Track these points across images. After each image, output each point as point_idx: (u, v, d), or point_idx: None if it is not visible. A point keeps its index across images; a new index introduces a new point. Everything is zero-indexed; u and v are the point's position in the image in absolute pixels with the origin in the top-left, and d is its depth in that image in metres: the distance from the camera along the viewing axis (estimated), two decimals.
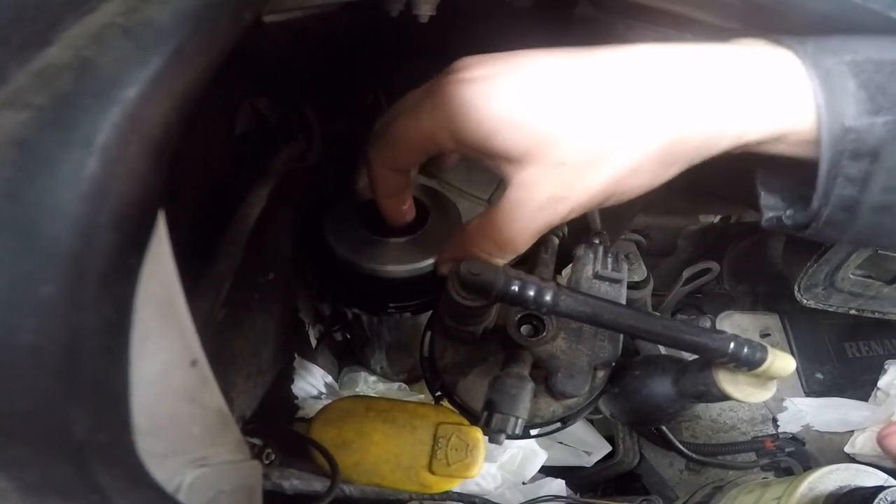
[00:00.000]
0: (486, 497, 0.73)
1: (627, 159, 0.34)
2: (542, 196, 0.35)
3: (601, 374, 0.47)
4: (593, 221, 0.55)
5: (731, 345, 0.37)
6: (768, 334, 0.96)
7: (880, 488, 0.55)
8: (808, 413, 0.89)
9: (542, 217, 0.36)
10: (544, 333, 0.45)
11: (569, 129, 0.33)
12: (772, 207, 0.39)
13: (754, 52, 0.34)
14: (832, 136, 0.32)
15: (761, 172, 0.39)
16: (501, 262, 0.40)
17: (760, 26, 0.34)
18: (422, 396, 0.85)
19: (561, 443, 0.91)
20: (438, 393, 0.51)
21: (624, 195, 0.36)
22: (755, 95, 0.33)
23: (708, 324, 0.97)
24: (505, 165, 0.36)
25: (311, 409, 0.78)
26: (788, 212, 0.38)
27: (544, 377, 0.45)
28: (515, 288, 0.37)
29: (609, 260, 0.48)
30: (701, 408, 0.90)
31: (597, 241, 0.50)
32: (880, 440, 0.48)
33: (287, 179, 0.43)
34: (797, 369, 0.91)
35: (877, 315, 0.79)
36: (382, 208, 0.45)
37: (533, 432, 0.50)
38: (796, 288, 0.73)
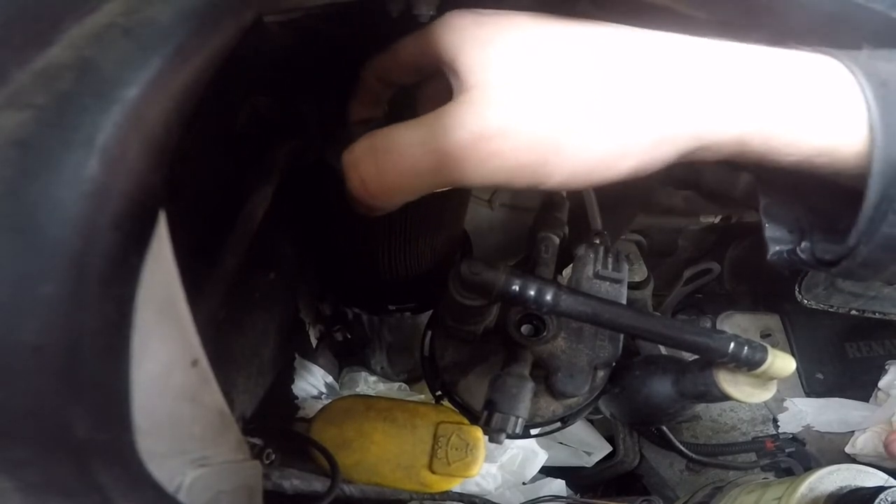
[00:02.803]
0: (486, 497, 0.73)
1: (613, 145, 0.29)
2: (478, 123, 0.28)
3: (601, 373, 0.47)
4: (594, 221, 0.56)
5: (732, 345, 0.37)
6: (769, 334, 0.96)
7: (880, 489, 0.55)
8: (808, 413, 0.89)
9: (455, 155, 0.28)
10: (545, 333, 0.45)
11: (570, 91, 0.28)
12: (778, 240, 0.34)
13: (789, 53, 0.29)
14: (887, 160, 0.26)
15: (764, 201, 0.35)
16: (371, 207, 0.32)
17: (761, 26, 0.34)
18: (422, 396, 0.85)
19: (561, 443, 0.91)
20: (439, 392, 0.51)
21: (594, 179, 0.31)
22: (785, 99, 0.28)
23: (708, 324, 0.97)
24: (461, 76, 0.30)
25: (311, 408, 0.78)
26: (804, 244, 0.33)
27: (545, 377, 0.45)
28: (516, 287, 0.37)
29: (610, 260, 0.48)
30: (701, 408, 0.90)
31: (597, 241, 0.50)
32: (887, 445, 0.46)
33: (287, 179, 0.43)
34: (797, 369, 0.91)
35: (877, 315, 0.79)
36: (350, 113, 0.40)
37: (533, 432, 0.50)
38: (797, 288, 0.73)
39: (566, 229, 0.53)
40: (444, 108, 0.29)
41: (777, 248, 0.34)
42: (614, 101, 0.29)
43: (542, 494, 0.81)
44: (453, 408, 0.50)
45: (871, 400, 0.90)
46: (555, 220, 0.53)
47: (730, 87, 0.29)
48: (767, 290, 0.99)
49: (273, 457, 0.52)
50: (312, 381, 0.83)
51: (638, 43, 0.30)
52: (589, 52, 0.29)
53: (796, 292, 0.73)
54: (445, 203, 0.51)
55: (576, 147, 0.29)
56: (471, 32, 0.30)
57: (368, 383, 0.88)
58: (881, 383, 0.90)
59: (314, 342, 0.85)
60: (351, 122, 0.40)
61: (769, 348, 0.38)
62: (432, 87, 0.38)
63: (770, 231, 0.34)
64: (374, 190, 0.30)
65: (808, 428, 0.89)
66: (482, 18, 0.31)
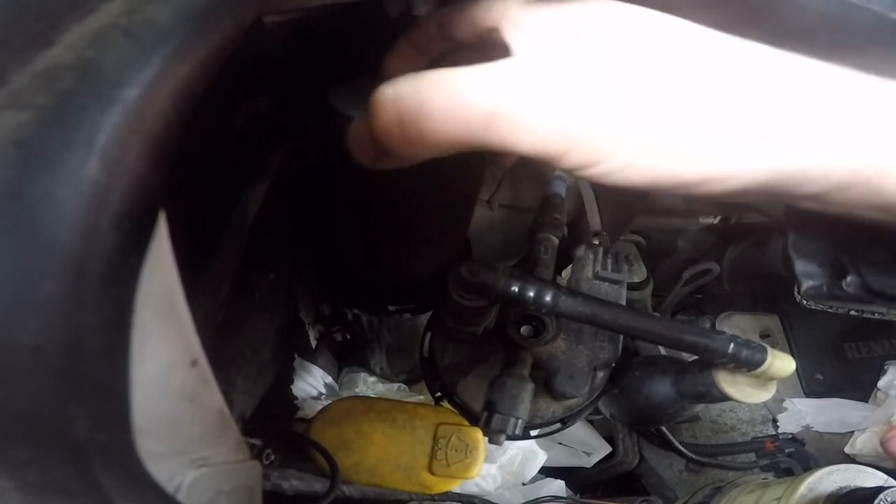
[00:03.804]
0: (485, 498, 0.73)
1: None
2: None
3: (601, 374, 0.47)
4: (593, 222, 0.56)
5: (731, 345, 0.37)
6: (768, 335, 0.96)
7: (880, 489, 0.55)
8: (807, 414, 0.89)
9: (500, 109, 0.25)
10: (544, 334, 0.45)
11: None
12: (810, 275, 0.34)
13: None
14: None
15: (793, 237, 0.34)
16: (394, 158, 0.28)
17: (759, 27, 0.34)
18: (421, 397, 0.85)
19: (561, 443, 0.91)
20: (438, 393, 0.51)
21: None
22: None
23: (708, 324, 0.97)
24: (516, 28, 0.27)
25: (310, 409, 0.78)
26: (850, 279, 0.32)
27: (544, 378, 0.45)
28: (515, 289, 0.37)
29: (609, 261, 0.48)
30: (701, 408, 0.90)
31: (597, 242, 0.50)
32: (884, 443, 0.47)
33: (287, 179, 0.43)
34: (797, 370, 0.91)
35: (877, 316, 0.78)
36: (385, 67, 0.37)
37: (533, 433, 0.50)
38: (796, 288, 0.73)
39: (565, 230, 0.53)
40: (513, 62, 0.26)
41: (810, 283, 0.34)
42: (718, 115, 0.25)
43: (541, 495, 0.81)
44: (453, 409, 0.50)
45: (871, 400, 0.90)
46: (554, 220, 0.53)
47: (851, 114, 0.25)
48: (767, 290, 0.99)
49: (272, 457, 0.52)
50: (312, 382, 0.83)
51: (744, 54, 0.27)
52: (698, 56, 0.26)
53: (795, 293, 0.73)
54: (457, 201, 0.50)
55: (656, 149, 0.25)
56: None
57: (368, 384, 0.88)
58: (880, 383, 0.90)
59: (314, 343, 0.85)
60: (384, 71, 0.37)
61: (768, 349, 0.38)
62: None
63: (801, 266, 0.34)
64: (409, 132, 0.26)
65: (807, 428, 0.89)
66: None
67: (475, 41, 0.31)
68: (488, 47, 0.29)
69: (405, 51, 0.36)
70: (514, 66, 0.26)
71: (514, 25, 0.27)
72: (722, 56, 0.26)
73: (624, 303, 0.46)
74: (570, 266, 0.50)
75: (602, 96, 0.25)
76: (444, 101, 0.25)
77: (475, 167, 0.44)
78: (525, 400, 0.41)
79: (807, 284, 0.34)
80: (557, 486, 0.84)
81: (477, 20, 0.30)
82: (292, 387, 0.80)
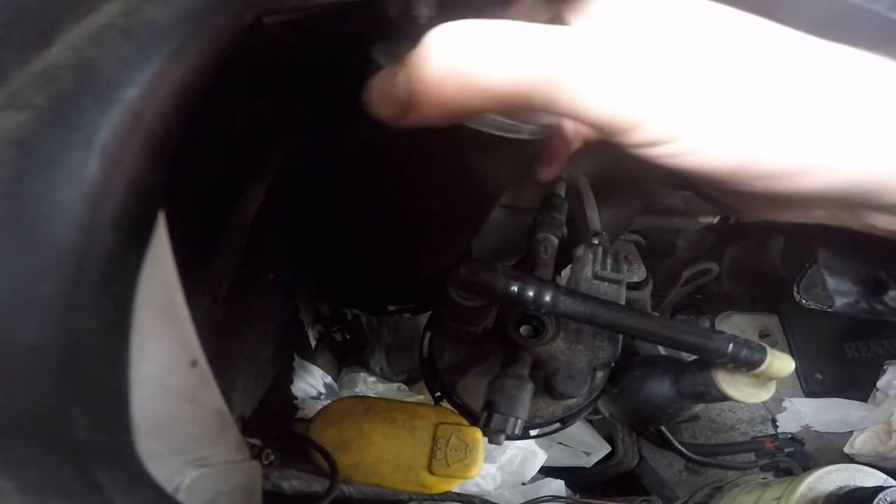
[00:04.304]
0: (485, 497, 0.73)
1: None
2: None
3: (600, 374, 0.47)
4: (593, 222, 0.56)
5: (731, 345, 0.37)
6: (767, 335, 0.96)
7: (879, 488, 0.56)
8: (807, 413, 0.89)
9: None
10: (544, 334, 0.45)
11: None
12: (843, 293, 0.33)
13: None
14: None
15: (824, 255, 0.34)
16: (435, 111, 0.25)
17: None
18: (421, 397, 0.85)
19: (560, 443, 0.92)
20: (438, 393, 0.51)
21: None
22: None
23: (707, 324, 0.97)
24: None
25: (310, 409, 0.78)
26: (893, 293, 0.32)
27: (544, 378, 0.45)
28: (515, 288, 0.37)
29: (608, 260, 0.48)
30: (700, 408, 0.90)
31: (596, 242, 0.50)
32: None
33: (287, 179, 0.43)
34: (796, 370, 0.91)
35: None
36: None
37: (532, 433, 0.50)
38: (795, 288, 0.73)
39: (565, 230, 0.53)
40: (586, 26, 0.24)
41: (844, 300, 0.33)
42: (810, 105, 0.23)
43: (541, 495, 0.81)
44: (452, 409, 0.50)
45: (870, 400, 0.91)
46: (553, 220, 0.53)
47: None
48: (766, 290, 0.99)
49: (272, 457, 0.52)
50: (311, 382, 0.83)
51: (833, 55, 0.25)
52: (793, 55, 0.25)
53: (795, 293, 0.73)
54: (465, 204, 0.49)
55: (738, 131, 0.23)
56: None
57: (367, 384, 0.88)
58: (880, 383, 0.90)
59: (313, 343, 0.85)
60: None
61: (768, 349, 0.38)
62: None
63: (833, 284, 0.34)
64: (461, 81, 0.23)
65: (806, 428, 0.89)
66: None
67: None
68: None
69: None
70: (587, 29, 0.24)
71: (579, 9, 0.26)
72: (814, 48, 0.25)
73: (623, 302, 0.46)
74: (569, 266, 0.50)
75: (683, 67, 0.23)
76: (507, 50, 0.22)
77: (491, 171, 0.43)
78: (525, 400, 0.41)
79: (840, 301, 0.34)
80: (557, 486, 0.84)
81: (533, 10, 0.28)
82: (292, 387, 0.80)
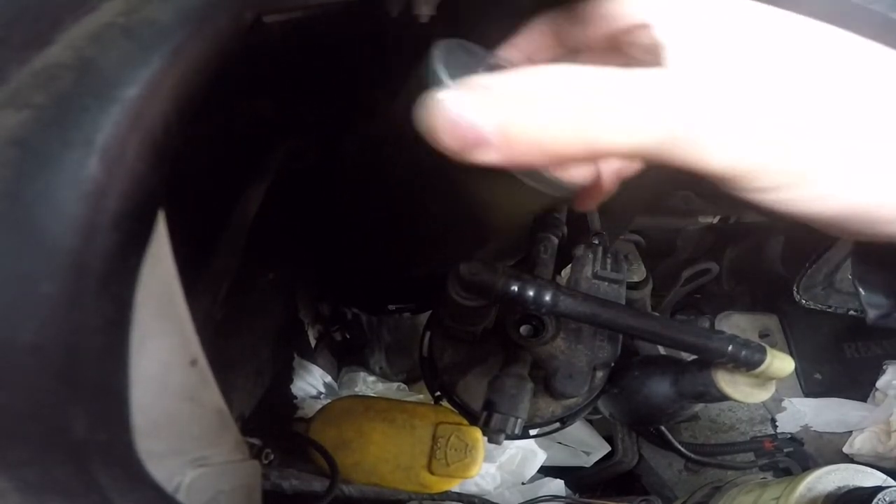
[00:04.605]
0: (485, 497, 0.73)
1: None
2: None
3: (600, 374, 0.47)
4: (592, 222, 0.56)
5: (730, 345, 0.37)
6: (767, 335, 0.96)
7: (879, 488, 0.56)
8: (806, 413, 0.89)
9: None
10: (544, 334, 0.45)
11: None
12: (877, 306, 0.34)
13: None
14: None
15: (858, 269, 0.34)
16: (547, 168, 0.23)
17: None
18: (421, 396, 0.85)
19: (560, 443, 0.92)
20: (438, 393, 0.51)
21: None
22: None
23: (707, 324, 0.97)
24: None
25: (310, 408, 0.78)
26: None
27: (543, 377, 0.45)
28: (515, 288, 0.37)
29: (608, 260, 0.48)
30: (700, 408, 0.90)
31: (596, 242, 0.50)
32: None
33: (287, 179, 0.43)
34: (796, 370, 0.91)
35: None
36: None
37: (532, 432, 0.50)
38: (795, 288, 0.73)
39: (565, 230, 0.53)
40: (689, 67, 0.22)
41: (877, 312, 0.33)
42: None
43: (540, 494, 0.81)
44: (452, 408, 0.50)
45: (869, 400, 0.91)
46: (553, 220, 0.53)
47: None
48: (766, 290, 0.99)
49: (272, 457, 0.52)
50: (311, 381, 0.83)
51: None
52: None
53: (794, 293, 0.73)
54: (470, 206, 0.46)
55: (867, 173, 0.22)
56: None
57: (367, 383, 0.88)
58: (879, 383, 0.90)
59: (313, 342, 0.85)
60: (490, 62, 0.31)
61: (768, 348, 0.38)
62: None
63: (867, 298, 0.34)
64: (569, 141, 0.20)
65: (806, 428, 0.90)
66: None
67: (603, 45, 0.27)
68: (619, 52, 0.26)
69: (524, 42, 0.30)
70: (692, 73, 0.22)
71: (670, 23, 0.24)
72: None
73: (623, 302, 0.46)
74: (569, 265, 0.50)
75: (800, 104, 0.22)
76: (618, 108, 0.21)
77: (503, 207, 0.41)
78: (524, 399, 0.41)
79: (874, 314, 0.35)
80: (557, 486, 0.84)
81: (613, 18, 0.26)
82: (292, 386, 0.80)
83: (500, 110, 0.20)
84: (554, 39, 0.30)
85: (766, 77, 0.22)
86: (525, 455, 0.81)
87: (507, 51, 0.32)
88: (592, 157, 0.22)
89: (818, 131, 0.22)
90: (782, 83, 0.22)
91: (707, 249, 0.93)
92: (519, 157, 0.21)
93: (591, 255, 0.48)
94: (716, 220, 0.84)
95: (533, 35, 0.31)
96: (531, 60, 0.31)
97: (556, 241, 0.52)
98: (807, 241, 0.69)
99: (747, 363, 0.37)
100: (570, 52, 0.30)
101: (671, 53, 0.22)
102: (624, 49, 0.26)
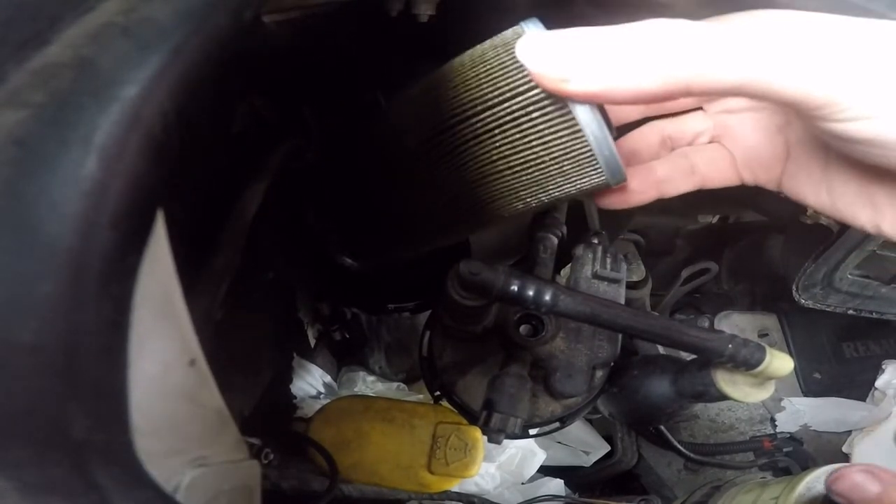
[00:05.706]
0: (484, 496, 0.73)
1: None
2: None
3: (600, 373, 0.47)
4: (592, 221, 0.56)
5: (730, 345, 0.37)
6: (766, 334, 0.96)
7: None
8: (806, 413, 0.89)
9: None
10: (543, 333, 0.45)
11: None
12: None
13: None
14: None
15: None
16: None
17: None
18: (420, 396, 0.85)
19: (560, 442, 0.92)
20: (437, 392, 0.51)
21: None
22: None
23: (706, 324, 0.97)
24: None
25: (309, 408, 0.78)
26: None
27: (543, 377, 0.45)
28: (515, 288, 0.37)
29: (608, 260, 0.48)
30: (699, 408, 0.90)
31: (595, 242, 0.50)
32: (829, 485, 0.45)
33: (287, 179, 0.43)
34: (795, 369, 0.91)
35: (875, 315, 0.79)
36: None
37: (532, 432, 0.50)
38: (794, 288, 0.73)
39: (564, 229, 0.53)
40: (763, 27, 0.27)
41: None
42: None
43: (540, 494, 0.81)
44: (452, 408, 0.50)
45: (869, 399, 0.91)
46: (553, 220, 0.53)
47: None
48: (765, 289, 0.99)
49: (271, 456, 0.52)
50: (311, 381, 0.82)
51: None
52: None
53: (794, 292, 0.73)
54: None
55: None
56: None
57: (367, 383, 0.88)
58: (878, 383, 0.90)
59: (312, 342, 0.85)
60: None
61: (767, 348, 0.38)
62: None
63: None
64: (685, 80, 0.26)
65: (805, 427, 0.90)
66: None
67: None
68: None
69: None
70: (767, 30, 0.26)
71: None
72: None
73: (623, 302, 0.46)
74: (569, 265, 0.50)
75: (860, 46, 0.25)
76: (708, 57, 0.25)
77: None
78: (524, 399, 0.41)
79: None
80: (556, 485, 0.84)
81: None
82: (291, 386, 0.80)
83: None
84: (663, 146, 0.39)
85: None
86: (524, 454, 0.81)
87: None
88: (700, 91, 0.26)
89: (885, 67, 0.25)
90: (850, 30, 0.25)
91: (706, 249, 0.93)
92: (633, 97, 0.26)
93: (590, 255, 0.48)
94: (715, 220, 0.84)
95: (640, 142, 0.38)
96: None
97: (555, 240, 0.52)
98: (806, 240, 0.69)
99: (746, 363, 0.37)
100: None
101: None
102: None
